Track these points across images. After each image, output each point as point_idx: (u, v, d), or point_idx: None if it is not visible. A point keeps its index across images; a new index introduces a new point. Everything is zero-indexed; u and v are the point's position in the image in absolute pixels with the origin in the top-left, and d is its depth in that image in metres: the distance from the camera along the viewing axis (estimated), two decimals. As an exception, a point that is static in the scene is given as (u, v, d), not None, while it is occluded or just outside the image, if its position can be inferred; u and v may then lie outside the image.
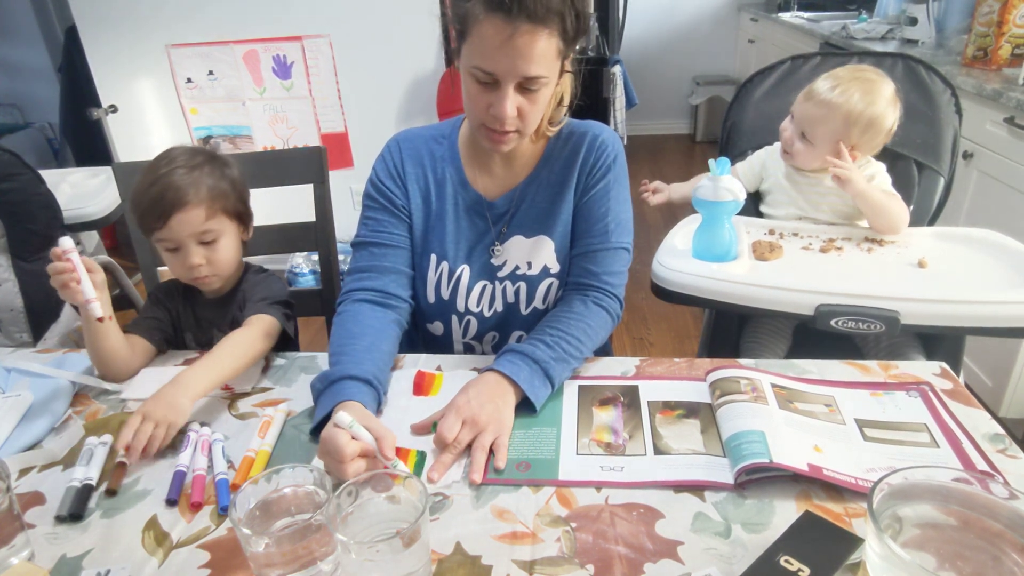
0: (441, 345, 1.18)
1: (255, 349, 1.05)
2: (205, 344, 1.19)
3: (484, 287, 1.12)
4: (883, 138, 1.28)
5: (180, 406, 0.90)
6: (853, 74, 1.27)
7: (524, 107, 0.95)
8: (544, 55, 0.90)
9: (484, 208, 1.10)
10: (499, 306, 1.13)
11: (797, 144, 1.31)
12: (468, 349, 1.18)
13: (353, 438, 0.79)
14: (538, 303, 1.12)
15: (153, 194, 1.06)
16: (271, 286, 1.17)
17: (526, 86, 0.93)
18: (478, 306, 1.13)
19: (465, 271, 1.11)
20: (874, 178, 1.29)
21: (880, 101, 1.24)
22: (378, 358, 0.97)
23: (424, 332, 1.18)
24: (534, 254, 1.10)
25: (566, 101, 1.06)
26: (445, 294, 1.12)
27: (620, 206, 1.09)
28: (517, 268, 1.11)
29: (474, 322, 1.14)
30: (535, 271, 1.10)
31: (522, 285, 1.11)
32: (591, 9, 0.97)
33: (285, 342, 1.15)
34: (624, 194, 1.10)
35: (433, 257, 1.11)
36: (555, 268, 1.10)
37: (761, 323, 1.40)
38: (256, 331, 1.06)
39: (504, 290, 1.11)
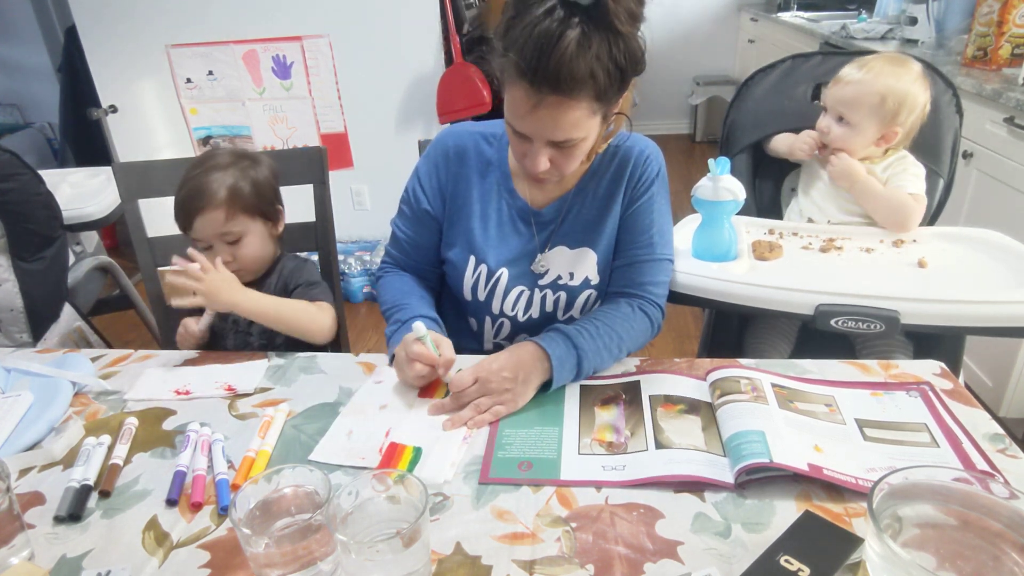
0: (474, 341, 1.19)
1: (312, 314, 1.16)
2: (222, 316, 1.21)
3: (522, 292, 1.12)
4: (918, 118, 1.27)
5: (233, 284, 1.09)
6: (877, 56, 1.29)
7: (557, 159, 0.95)
8: (574, 123, 0.89)
9: (530, 215, 1.11)
10: (535, 312, 1.13)
11: (835, 130, 1.30)
12: (498, 349, 1.18)
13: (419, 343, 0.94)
14: (575, 312, 1.13)
15: (180, 198, 1.15)
16: (313, 272, 1.23)
17: (558, 145, 0.92)
18: (513, 310, 1.13)
19: (504, 274, 1.11)
20: (904, 173, 1.27)
21: (908, 75, 1.24)
22: (432, 306, 1.12)
23: (463, 324, 1.19)
24: (577, 265, 1.10)
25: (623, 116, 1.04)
26: (481, 295, 1.13)
27: (663, 218, 1.10)
28: (559, 278, 1.11)
29: (507, 324, 1.15)
30: (576, 281, 1.11)
31: (562, 295, 1.11)
32: (641, 48, 0.93)
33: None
34: (666, 207, 1.12)
35: (472, 258, 1.11)
36: (595, 280, 1.11)
37: (765, 322, 1.40)
38: (320, 310, 1.17)
39: (544, 298, 1.12)
